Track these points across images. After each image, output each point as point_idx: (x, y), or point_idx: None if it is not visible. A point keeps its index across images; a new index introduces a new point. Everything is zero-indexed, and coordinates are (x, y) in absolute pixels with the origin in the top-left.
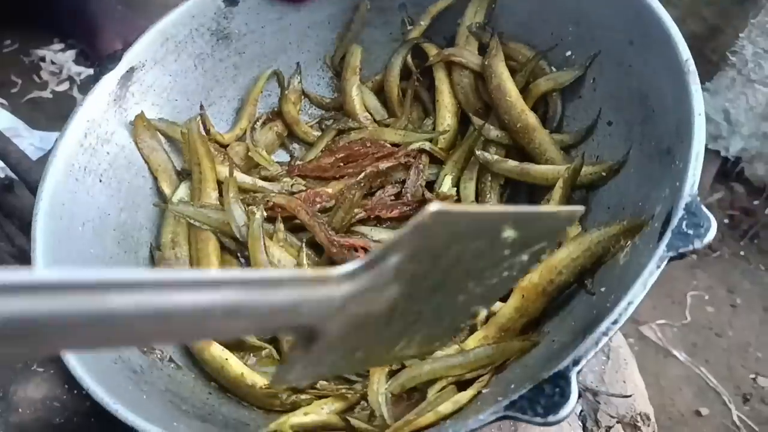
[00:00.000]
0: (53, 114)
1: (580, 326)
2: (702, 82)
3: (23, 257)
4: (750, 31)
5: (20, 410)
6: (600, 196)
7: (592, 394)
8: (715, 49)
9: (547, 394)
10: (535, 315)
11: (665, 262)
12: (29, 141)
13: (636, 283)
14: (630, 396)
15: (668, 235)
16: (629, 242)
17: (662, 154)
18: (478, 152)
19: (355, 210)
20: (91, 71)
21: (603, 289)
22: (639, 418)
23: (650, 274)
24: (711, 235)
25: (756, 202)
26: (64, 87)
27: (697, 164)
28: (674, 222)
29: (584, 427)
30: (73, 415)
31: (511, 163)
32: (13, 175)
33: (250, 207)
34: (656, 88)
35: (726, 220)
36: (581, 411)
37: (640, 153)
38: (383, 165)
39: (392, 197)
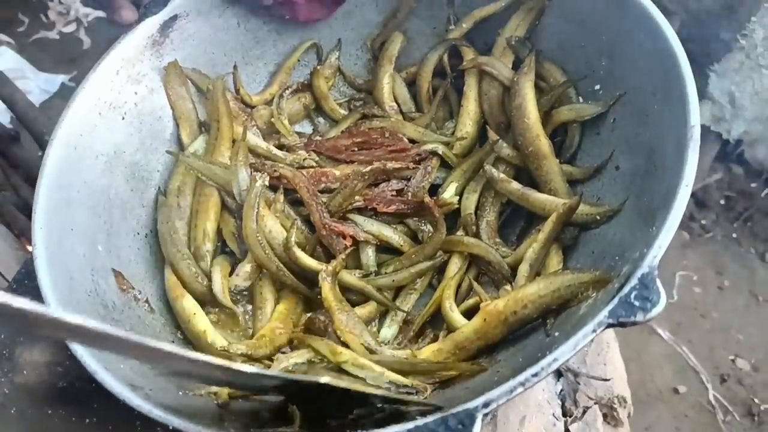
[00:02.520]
0: (59, 56)
1: (523, 366)
2: (710, 63)
3: (28, 208)
4: (763, 15)
5: (25, 372)
6: (589, 238)
7: (573, 375)
8: (727, 27)
9: (450, 428)
10: (493, 341)
11: (602, 328)
12: (35, 83)
13: (568, 342)
14: (609, 380)
15: (614, 301)
16: (595, 294)
17: (648, 214)
18: (486, 166)
19: (355, 197)
20: (98, 13)
21: (557, 334)
22: (616, 401)
23: (584, 336)
24: (656, 311)
25: (754, 185)
26: (71, 29)
27: (666, 237)
28: (625, 289)
29: (563, 406)
30: (75, 380)
31: (514, 186)
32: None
33: (254, 173)
34: (662, 146)
35: (722, 201)
36: (561, 390)
37: (634, 207)
38: (391, 165)
39: (394, 192)
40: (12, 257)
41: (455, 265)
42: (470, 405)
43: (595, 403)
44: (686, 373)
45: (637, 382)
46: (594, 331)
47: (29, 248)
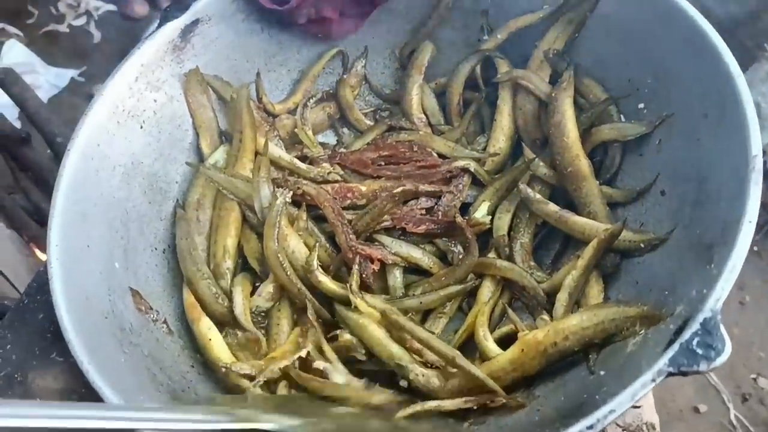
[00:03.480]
0: (69, 50)
1: (567, 406)
2: None
3: (38, 212)
4: None
5: (38, 399)
6: (632, 266)
7: None
8: (753, 35)
9: None
10: (530, 373)
11: (662, 377)
12: (44, 77)
13: (625, 391)
14: (640, 407)
15: (675, 347)
16: (643, 331)
17: (702, 249)
18: (521, 186)
19: (383, 217)
20: (109, 6)
21: (602, 373)
22: (645, 428)
23: (642, 386)
24: (721, 360)
25: None
26: (81, 21)
27: (730, 278)
28: (686, 335)
29: None
30: None
31: (552, 207)
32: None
33: (276, 189)
34: (717, 174)
35: None
36: None
37: (683, 238)
38: (423, 188)
39: (423, 211)
40: (23, 265)
41: (488, 290)
42: None
43: (624, 430)
44: (707, 391)
45: (658, 402)
46: (653, 380)
47: (40, 255)
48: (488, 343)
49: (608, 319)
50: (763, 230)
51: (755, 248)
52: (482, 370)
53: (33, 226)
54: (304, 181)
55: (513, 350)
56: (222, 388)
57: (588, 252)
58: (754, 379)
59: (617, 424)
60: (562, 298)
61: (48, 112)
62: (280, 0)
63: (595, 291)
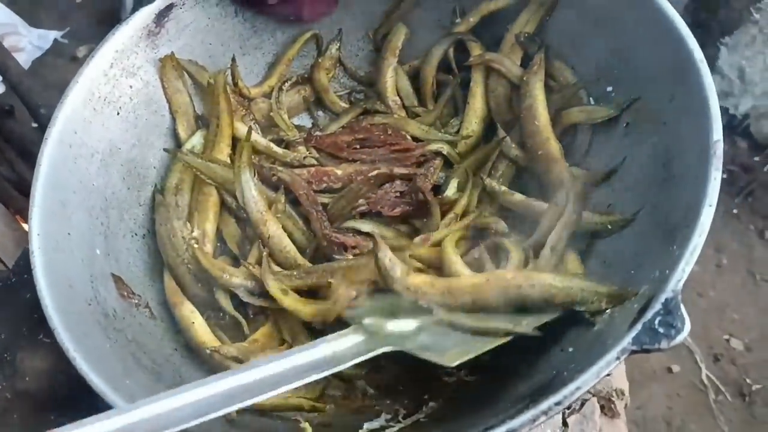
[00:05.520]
0: (52, 11)
1: (537, 382)
2: (722, 36)
3: (23, 184)
4: None
5: (27, 379)
6: (601, 246)
7: None
8: None
9: None
10: (482, 304)
11: (626, 355)
12: (27, 39)
13: (591, 369)
14: (609, 375)
15: (638, 327)
16: (609, 309)
17: (667, 230)
18: (486, 180)
19: (359, 201)
20: None
21: (571, 350)
22: (614, 394)
23: (607, 365)
24: (681, 338)
25: (757, 159)
26: None
27: (690, 260)
28: (648, 314)
29: None
30: (78, 389)
31: (517, 197)
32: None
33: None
34: (681, 154)
35: (725, 175)
36: None
37: (649, 219)
38: (397, 170)
39: (398, 194)
40: (8, 237)
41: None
42: None
43: (593, 396)
44: (680, 351)
45: (632, 361)
46: (618, 358)
47: (26, 228)
48: (457, 259)
49: (578, 287)
50: (743, 192)
51: (734, 211)
52: (443, 281)
53: (18, 198)
54: (280, 168)
55: (480, 276)
56: (207, 369)
57: (553, 236)
58: (727, 340)
59: (588, 391)
60: (545, 252)
61: (31, 81)
62: None
63: (574, 266)
